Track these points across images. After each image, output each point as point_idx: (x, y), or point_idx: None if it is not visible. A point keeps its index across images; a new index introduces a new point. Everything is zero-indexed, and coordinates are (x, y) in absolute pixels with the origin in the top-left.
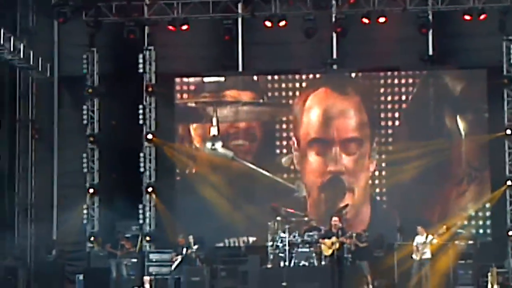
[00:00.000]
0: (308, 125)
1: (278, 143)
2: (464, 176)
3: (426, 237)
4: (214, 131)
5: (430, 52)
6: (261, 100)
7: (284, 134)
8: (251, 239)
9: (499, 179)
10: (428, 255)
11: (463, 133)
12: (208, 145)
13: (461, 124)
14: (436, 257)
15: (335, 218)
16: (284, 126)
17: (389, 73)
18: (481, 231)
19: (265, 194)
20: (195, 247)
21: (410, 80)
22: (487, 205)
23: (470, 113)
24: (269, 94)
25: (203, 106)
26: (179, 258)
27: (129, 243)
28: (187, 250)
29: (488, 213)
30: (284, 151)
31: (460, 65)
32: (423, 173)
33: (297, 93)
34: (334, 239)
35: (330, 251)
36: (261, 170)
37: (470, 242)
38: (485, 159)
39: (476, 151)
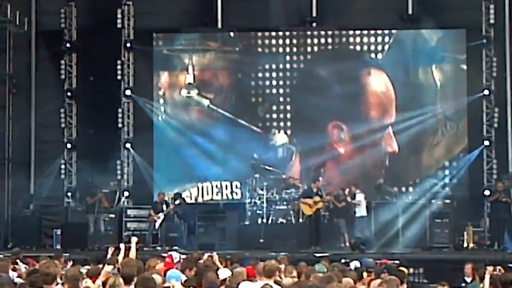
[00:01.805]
0: None
1: (253, 91)
2: (439, 127)
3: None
4: (189, 79)
5: (410, 11)
6: (237, 48)
7: (260, 83)
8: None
9: (476, 139)
10: (359, 213)
11: (438, 83)
12: (184, 92)
13: (436, 75)
14: (413, 216)
15: (320, 178)
16: (260, 74)
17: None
18: (458, 191)
19: (241, 144)
20: (177, 202)
21: (387, 39)
22: (464, 165)
23: (448, 65)
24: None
25: (178, 53)
26: (161, 215)
27: (106, 201)
28: (167, 207)
29: (464, 170)
30: (260, 100)
31: (440, 25)
32: (400, 134)
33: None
34: (316, 198)
35: (312, 211)
36: (237, 119)
37: (447, 201)
38: (462, 111)
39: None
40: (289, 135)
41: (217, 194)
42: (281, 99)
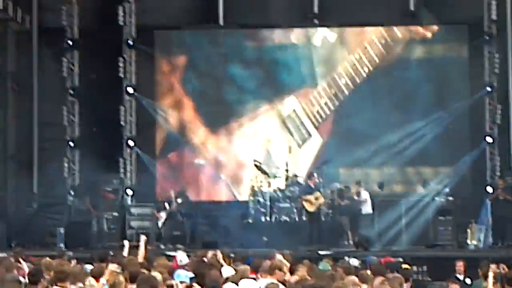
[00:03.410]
0: None
1: None
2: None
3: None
4: None
5: (412, 8)
6: None
7: None
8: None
9: (479, 136)
10: (365, 210)
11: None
12: None
13: None
14: (416, 213)
15: (315, 174)
16: None
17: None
18: (461, 188)
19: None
20: (179, 200)
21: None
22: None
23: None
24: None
25: None
26: (164, 214)
27: (110, 195)
28: (170, 206)
29: (467, 170)
30: None
31: (441, 21)
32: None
33: None
34: (317, 194)
35: (314, 207)
36: None
37: (450, 198)
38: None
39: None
40: None
41: None
42: None
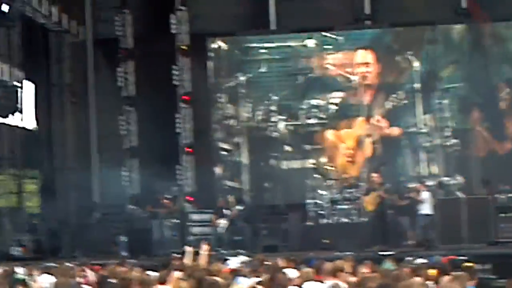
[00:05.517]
0: None
1: None
2: None
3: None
4: None
5: (464, 5)
6: None
7: None
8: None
9: None
10: (424, 210)
11: None
12: None
13: None
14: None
15: (374, 174)
16: None
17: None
18: None
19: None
20: (238, 207)
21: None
22: None
23: None
24: None
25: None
26: (223, 220)
27: (169, 202)
28: (229, 211)
29: None
30: None
31: (495, 18)
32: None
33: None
34: (374, 194)
35: (372, 207)
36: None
37: (510, 195)
38: None
39: None
40: None
41: None
42: None
